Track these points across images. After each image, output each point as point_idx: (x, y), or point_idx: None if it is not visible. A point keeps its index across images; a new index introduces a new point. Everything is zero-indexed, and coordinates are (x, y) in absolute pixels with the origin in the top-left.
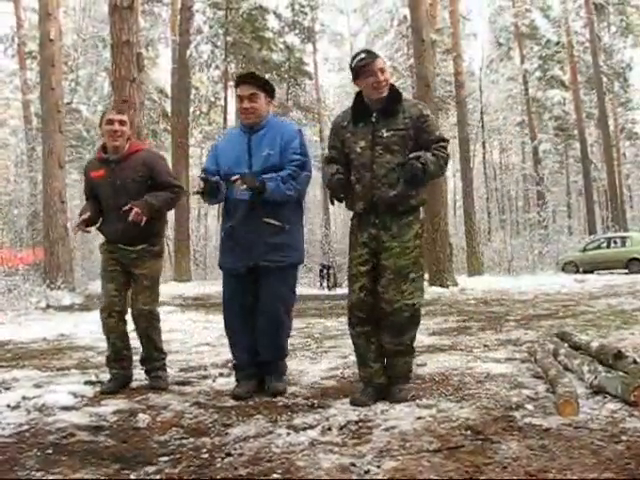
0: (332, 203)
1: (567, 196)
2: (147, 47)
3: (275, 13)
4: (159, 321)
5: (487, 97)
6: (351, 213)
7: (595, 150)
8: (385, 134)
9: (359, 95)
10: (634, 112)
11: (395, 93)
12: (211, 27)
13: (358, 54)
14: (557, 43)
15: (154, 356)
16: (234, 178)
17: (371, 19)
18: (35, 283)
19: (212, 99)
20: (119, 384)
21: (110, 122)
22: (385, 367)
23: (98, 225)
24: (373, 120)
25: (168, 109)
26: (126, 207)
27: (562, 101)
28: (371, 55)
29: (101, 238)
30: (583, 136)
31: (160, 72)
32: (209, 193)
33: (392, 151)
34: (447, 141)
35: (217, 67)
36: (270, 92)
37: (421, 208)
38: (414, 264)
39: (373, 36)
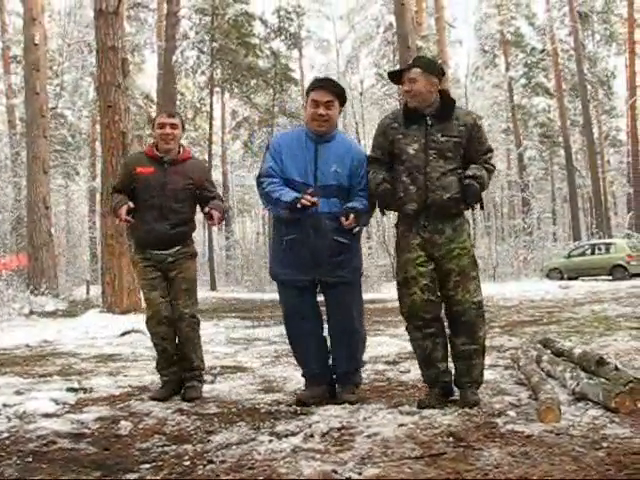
0: (383, 213)
1: (552, 203)
2: (133, 52)
3: (261, 19)
4: (199, 326)
5: (472, 104)
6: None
7: (580, 157)
8: (440, 139)
9: None
10: (618, 119)
11: (448, 100)
12: (197, 33)
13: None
14: (542, 51)
15: (195, 364)
16: (348, 222)
17: (357, 26)
18: (18, 289)
19: (198, 105)
20: (171, 389)
21: (162, 125)
22: (447, 370)
23: (130, 230)
24: (427, 124)
25: (154, 115)
26: (206, 209)
27: (547, 108)
28: (411, 63)
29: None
30: (568, 143)
31: (146, 78)
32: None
33: (446, 157)
34: (493, 151)
35: (203, 73)
36: (343, 101)
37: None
38: (473, 263)
39: (359, 42)
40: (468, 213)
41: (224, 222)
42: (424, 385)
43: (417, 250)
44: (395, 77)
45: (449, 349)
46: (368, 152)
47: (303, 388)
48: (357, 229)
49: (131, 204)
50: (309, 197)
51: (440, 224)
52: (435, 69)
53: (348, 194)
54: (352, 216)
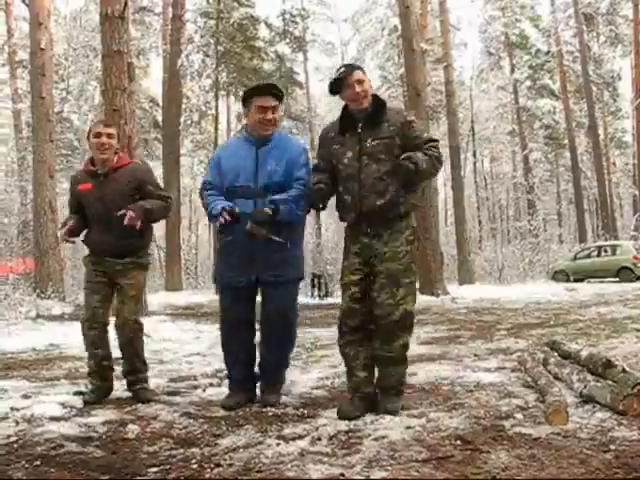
0: (309, 211)
1: (557, 205)
2: (138, 56)
3: (266, 23)
4: (142, 332)
5: (477, 106)
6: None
7: (585, 159)
8: (371, 143)
9: (346, 106)
10: (623, 121)
11: (379, 103)
12: (202, 36)
13: (339, 68)
14: (547, 53)
15: (137, 367)
16: (248, 227)
17: (362, 28)
18: (25, 292)
19: (203, 108)
20: (101, 395)
21: (98, 135)
22: (372, 377)
23: (84, 238)
24: (359, 130)
25: (159, 118)
26: (121, 211)
27: (552, 110)
28: (349, 68)
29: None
30: (573, 145)
31: (151, 81)
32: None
33: (378, 160)
34: (437, 141)
35: (208, 76)
36: (281, 103)
37: (412, 214)
38: (406, 270)
39: (364, 45)
40: (473, 215)
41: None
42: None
43: (353, 257)
44: (336, 87)
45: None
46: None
47: (226, 394)
48: (249, 205)
49: (72, 222)
50: (226, 215)
51: (380, 228)
52: (365, 72)
53: (287, 189)
54: (249, 226)
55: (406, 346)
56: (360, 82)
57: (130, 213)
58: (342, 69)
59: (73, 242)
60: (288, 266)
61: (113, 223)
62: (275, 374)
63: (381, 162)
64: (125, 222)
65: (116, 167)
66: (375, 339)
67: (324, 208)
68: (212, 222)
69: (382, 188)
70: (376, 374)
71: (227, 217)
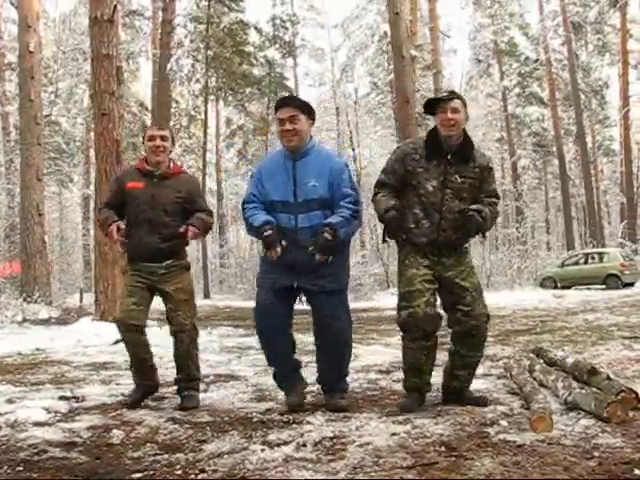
0: (384, 241)
1: (546, 212)
2: (127, 60)
3: (256, 28)
4: (198, 336)
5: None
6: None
7: (573, 166)
8: (458, 179)
9: (433, 131)
10: (611, 129)
11: (468, 140)
12: (192, 41)
13: (444, 91)
14: (536, 60)
15: (192, 374)
16: (311, 250)
17: (352, 34)
18: (11, 296)
19: (192, 113)
20: (143, 394)
21: (152, 138)
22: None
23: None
24: (447, 162)
25: (148, 122)
26: (182, 228)
27: (541, 118)
28: (450, 94)
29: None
30: (561, 152)
31: (140, 85)
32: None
33: (461, 198)
34: (499, 198)
35: (198, 81)
36: (311, 114)
37: None
38: (479, 282)
39: (354, 51)
40: None
41: (217, 230)
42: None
43: (425, 269)
44: (431, 107)
45: (453, 361)
46: (354, 167)
47: (286, 395)
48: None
49: (121, 224)
50: (275, 253)
51: (446, 251)
52: (466, 104)
53: (330, 206)
54: (318, 249)
55: None
56: (455, 111)
57: (193, 229)
58: (445, 93)
59: (127, 242)
60: (333, 276)
61: (157, 225)
62: (334, 382)
63: (463, 200)
64: (189, 237)
65: (172, 173)
66: (468, 348)
67: (404, 236)
68: (252, 235)
69: (459, 224)
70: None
71: (274, 255)
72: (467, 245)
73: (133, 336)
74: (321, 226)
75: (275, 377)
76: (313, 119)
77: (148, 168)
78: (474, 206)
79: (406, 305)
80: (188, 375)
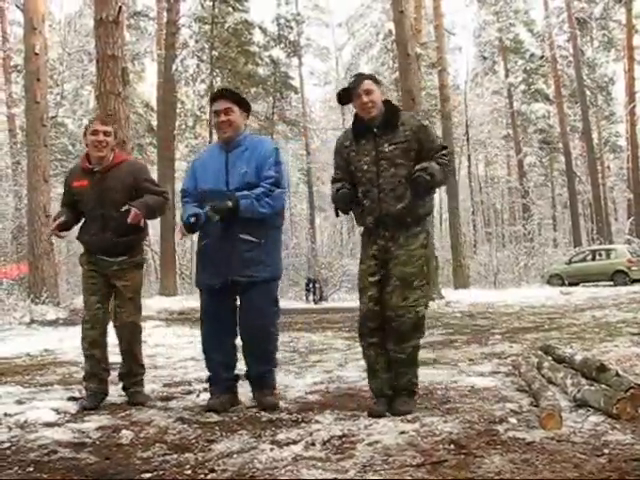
0: (337, 215)
1: (552, 209)
2: (133, 61)
3: (260, 27)
4: (141, 334)
5: (472, 110)
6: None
7: (580, 163)
8: (388, 148)
9: (357, 114)
10: (617, 125)
11: (392, 108)
12: (197, 41)
13: (351, 77)
14: (541, 57)
15: (134, 371)
16: (206, 211)
17: (356, 33)
18: (19, 297)
19: (198, 113)
20: (98, 399)
21: (95, 133)
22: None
23: (78, 235)
24: (375, 136)
25: (154, 123)
26: (124, 207)
27: (546, 114)
28: (358, 77)
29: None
30: (567, 149)
31: (146, 86)
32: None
33: (396, 164)
34: (447, 148)
35: (203, 81)
36: (245, 107)
37: (427, 218)
38: (419, 273)
39: (358, 50)
40: (468, 220)
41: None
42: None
43: (370, 260)
44: (344, 97)
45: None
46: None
47: (209, 397)
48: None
49: (63, 218)
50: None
51: (397, 232)
52: (378, 80)
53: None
54: (207, 209)
55: (417, 348)
56: (368, 92)
57: (134, 210)
58: (352, 79)
59: (63, 237)
60: (262, 265)
61: (109, 220)
62: (262, 378)
63: (399, 166)
64: (129, 220)
65: (112, 164)
66: (388, 340)
67: (350, 210)
68: (185, 230)
69: (401, 192)
70: None
71: (185, 229)
72: (420, 228)
73: (98, 336)
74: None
75: (209, 379)
76: (248, 112)
77: (89, 166)
78: (418, 165)
79: (359, 302)
80: (130, 371)
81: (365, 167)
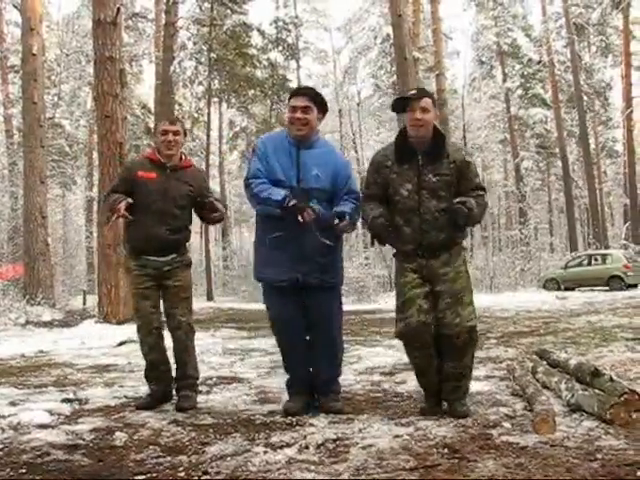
0: (372, 245)
1: (549, 213)
2: (131, 63)
3: (259, 30)
4: (195, 334)
5: (469, 115)
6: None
7: (576, 168)
8: (432, 179)
9: (402, 133)
10: (614, 130)
11: (439, 136)
12: (195, 43)
13: (412, 89)
14: (539, 62)
15: (189, 373)
16: (342, 224)
17: (355, 37)
18: (15, 299)
19: (195, 115)
20: (157, 400)
21: (165, 132)
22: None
23: (128, 233)
24: (419, 163)
25: (151, 125)
26: (210, 199)
27: (544, 119)
28: (419, 92)
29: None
30: (564, 154)
31: (143, 88)
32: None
33: (439, 196)
34: (485, 190)
35: (201, 83)
36: (324, 108)
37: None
38: (467, 287)
39: (356, 53)
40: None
41: (220, 233)
42: (420, 397)
43: (412, 273)
44: (400, 105)
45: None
46: (357, 169)
47: (287, 398)
48: (343, 230)
49: (130, 200)
50: (308, 215)
51: (437, 252)
52: (435, 102)
53: (331, 198)
54: (346, 219)
55: (473, 357)
56: (424, 110)
57: (219, 205)
58: (413, 91)
59: (131, 218)
60: (333, 270)
61: (167, 217)
62: (329, 382)
63: (441, 199)
64: (217, 213)
65: (183, 166)
66: (446, 357)
67: (388, 242)
68: (266, 210)
69: (442, 224)
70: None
71: (308, 215)
72: (459, 246)
73: (154, 340)
74: (334, 212)
75: (287, 381)
76: (324, 113)
77: (161, 159)
78: (458, 199)
79: (401, 317)
80: (185, 375)
81: (406, 194)
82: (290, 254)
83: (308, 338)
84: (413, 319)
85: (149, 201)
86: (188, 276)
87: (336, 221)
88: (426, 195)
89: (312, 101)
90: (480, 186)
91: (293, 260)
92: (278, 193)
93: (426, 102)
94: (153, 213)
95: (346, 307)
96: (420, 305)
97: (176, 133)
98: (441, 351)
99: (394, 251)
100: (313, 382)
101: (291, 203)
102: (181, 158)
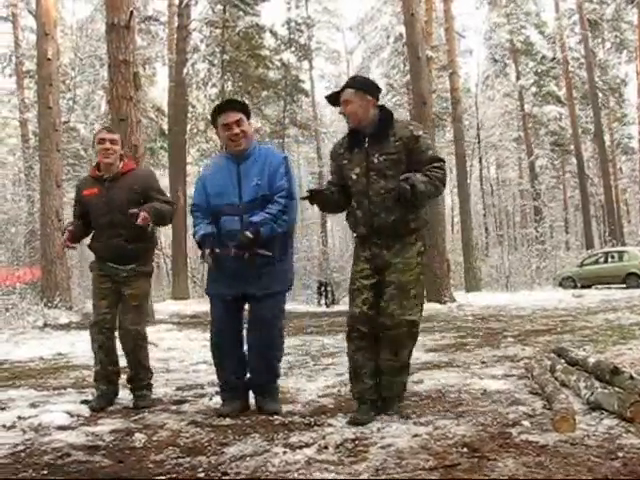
0: (312, 203)
1: (564, 211)
2: (144, 66)
3: (271, 31)
4: (146, 341)
5: (483, 113)
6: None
7: (592, 165)
8: (378, 159)
9: None
10: (630, 127)
11: (385, 116)
12: (208, 45)
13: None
14: (552, 59)
15: (140, 375)
16: (233, 254)
17: (367, 36)
18: (32, 302)
19: (209, 117)
20: (106, 401)
21: (102, 141)
22: (377, 385)
23: (89, 242)
24: (366, 145)
25: (165, 127)
26: (133, 210)
27: (558, 117)
28: (346, 85)
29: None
30: (579, 151)
31: (157, 90)
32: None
33: (386, 176)
34: (441, 160)
35: (214, 85)
36: (249, 115)
37: (422, 230)
38: (416, 281)
39: (369, 53)
40: (480, 222)
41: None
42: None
43: (363, 263)
44: (333, 99)
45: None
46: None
47: (221, 403)
48: (236, 223)
49: (70, 228)
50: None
51: (391, 241)
52: (369, 87)
53: (271, 199)
54: (246, 233)
55: (411, 354)
56: (346, 102)
57: (143, 214)
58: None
59: (74, 248)
60: (275, 280)
61: (118, 227)
62: (266, 385)
63: (389, 178)
64: (138, 221)
65: (121, 172)
66: (382, 349)
67: (324, 208)
68: (198, 247)
69: (391, 204)
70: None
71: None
72: (414, 237)
73: (103, 339)
74: (247, 224)
75: (221, 387)
76: (249, 118)
77: (99, 173)
78: (402, 176)
79: (349, 305)
80: (136, 376)
81: (355, 177)
82: (230, 270)
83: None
84: (357, 308)
85: (97, 215)
86: (144, 285)
87: (248, 234)
88: (374, 177)
89: (240, 112)
90: (434, 158)
91: (236, 275)
92: (200, 231)
93: (347, 93)
94: (104, 227)
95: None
96: (366, 297)
97: (113, 142)
98: (379, 343)
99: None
100: (251, 384)
101: (201, 251)
102: (119, 166)
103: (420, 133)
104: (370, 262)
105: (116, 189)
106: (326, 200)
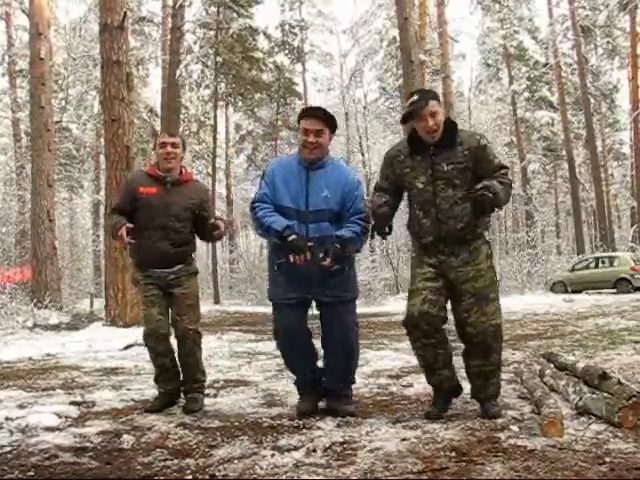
0: (372, 237)
1: (556, 216)
2: (137, 66)
3: (265, 33)
4: (202, 340)
5: (476, 117)
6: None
7: (583, 170)
8: (445, 168)
9: (415, 129)
10: (621, 133)
11: (451, 125)
12: (201, 47)
13: (412, 95)
14: (545, 64)
15: (196, 377)
16: (326, 264)
17: (361, 40)
18: (22, 302)
19: (202, 119)
20: (166, 402)
21: (163, 145)
22: (454, 373)
23: (132, 248)
24: (431, 154)
25: (158, 128)
26: (213, 220)
27: (550, 122)
28: (423, 99)
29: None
30: (571, 156)
31: (150, 91)
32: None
33: (454, 185)
34: (507, 168)
35: (207, 87)
36: (334, 128)
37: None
38: (492, 284)
39: (363, 56)
40: None
41: (227, 236)
42: (427, 399)
43: (428, 267)
44: (408, 118)
45: (464, 365)
46: (363, 172)
47: (299, 400)
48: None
49: (130, 225)
50: (304, 257)
51: (457, 248)
52: (439, 98)
53: (339, 219)
54: (329, 257)
55: (501, 354)
56: (434, 114)
57: (222, 224)
58: (415, 97)
59: (134, 242)
60: (346, 286)
61: (170, 232)
62: (343, 390)
63: (456, 187)
64: (220, 231)
65: (184, 180)
66: (473, 356)
67: (390, 233)
68: (266, 237)
69: (459, 212)
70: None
71: (302, 259)
72: (480, 241)
73: (162, 347)
74: (332, 237)
75: (295, 382)
76: (334, 132)
77: (160, 174)
78: (480, 184)
79: (408, 304)
80: (192, 378)
81: (421, 186)
82: (298, 278)
83: (323, 348)
84: (415, 308)
85: (151, 216)
86: (194, 284)
87: (337, 247)
88: (441, 185)
89: (325, 124)
90: (501, 165)
91: (301, 284)
92: (279, 224)
93: (433, 105)
94: (155, 228)
95: (360, 309)
96: (425, 295)
97: (174, 145)
98: (466, 350)
99: (411, 251)
100: (326, 387)
101: (290, 238)
102: (181, 172)
103: (486, 142)
104: (434, 267)
105: (176, 194)
106: (389, 220)
